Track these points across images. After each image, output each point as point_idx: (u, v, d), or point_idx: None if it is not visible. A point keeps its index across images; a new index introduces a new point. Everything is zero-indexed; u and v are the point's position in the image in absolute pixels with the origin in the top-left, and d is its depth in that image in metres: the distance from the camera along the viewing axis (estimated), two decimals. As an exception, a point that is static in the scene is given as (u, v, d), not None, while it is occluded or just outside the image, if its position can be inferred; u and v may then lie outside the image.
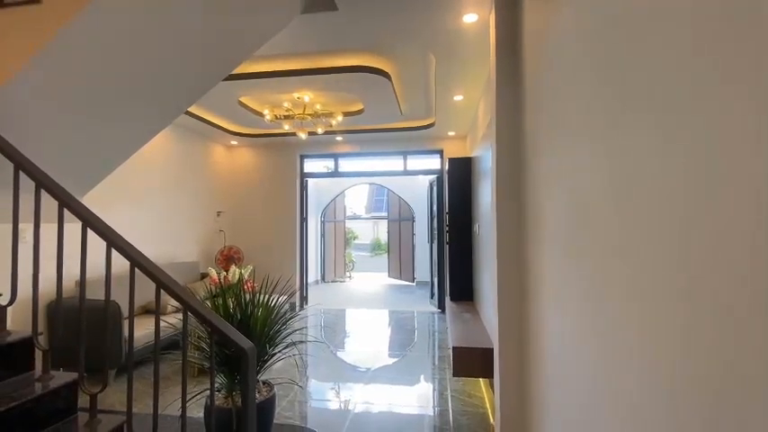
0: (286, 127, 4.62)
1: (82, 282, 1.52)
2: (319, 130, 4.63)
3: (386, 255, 10.40)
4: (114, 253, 1.49)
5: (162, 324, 2.04)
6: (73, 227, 1.57)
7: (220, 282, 2.28)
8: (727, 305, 0.66)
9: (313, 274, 8.55)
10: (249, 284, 2.43)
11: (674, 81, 0.80)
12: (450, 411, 2.92)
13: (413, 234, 9.11)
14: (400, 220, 9.47)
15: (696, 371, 0.73)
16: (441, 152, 6.16)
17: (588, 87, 1.25)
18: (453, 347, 3.01)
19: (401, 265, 9.33)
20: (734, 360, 0.64)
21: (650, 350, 0.89)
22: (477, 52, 3.08)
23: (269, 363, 2.18)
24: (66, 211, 1.51)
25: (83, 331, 1.52)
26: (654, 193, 0.88)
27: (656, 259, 0.86)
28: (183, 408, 1.50)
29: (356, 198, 20.14)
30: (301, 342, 2.39)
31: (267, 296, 2.21)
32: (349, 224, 12.94)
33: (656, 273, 0.86)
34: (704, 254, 0.71)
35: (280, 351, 2.20)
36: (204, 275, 5.17)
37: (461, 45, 2.98)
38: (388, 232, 9.97)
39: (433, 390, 3.39)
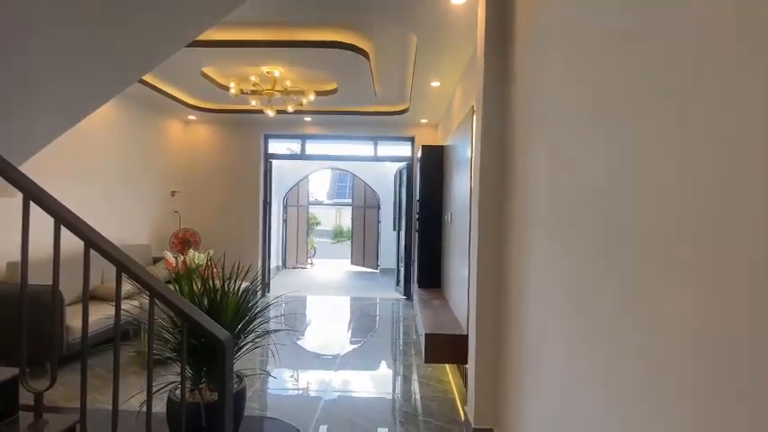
0: (253, 103, 4.33)
1: (23, 266, 1.31)
2: (289, 108, 4.38)
3: (348, 241, 10.30)
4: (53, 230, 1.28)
5: (113, 311, 1.83)
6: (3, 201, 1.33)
7: (182, 266, 2.08)
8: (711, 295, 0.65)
9: (274, 259, 8.26)
10: (216, 270, 2.24)
11: (667, 72, 0.78)
12: (420, 397, 2.93)
13: (378, 221, 9.05)
14: (365, 206, 9.36)
15: (684, 365, 0.73)
16: (412, 139, 6.11)
17: (582, 75, 1.23)
18: (426, 334, 3.01)
19: (365, 251, 9.27)
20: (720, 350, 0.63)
21: (639, 348, 0.89)
22: (460, 36, 3.02)
23: (240, 353, 2.04)
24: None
25: (24, 321, 1.31)
26: (656, 186, 0.86)
27: (643, 259, 0.86)
28: (149, 403, 1.35)
29: (318, 184, 19.75)
30: (276, 331, 2.27)
31: (240, 282, 2.05)
32: (311, 210, 12.66)
33: (641, 272, 0.86)
34: (692, 250, 0.71)
35: (252, 341, 2.06)
36: (157, 260, 4.81)
37: (445, 27, 2.90)
38: (353, 219, 9.84)
39: (402, 376, 3.39)
